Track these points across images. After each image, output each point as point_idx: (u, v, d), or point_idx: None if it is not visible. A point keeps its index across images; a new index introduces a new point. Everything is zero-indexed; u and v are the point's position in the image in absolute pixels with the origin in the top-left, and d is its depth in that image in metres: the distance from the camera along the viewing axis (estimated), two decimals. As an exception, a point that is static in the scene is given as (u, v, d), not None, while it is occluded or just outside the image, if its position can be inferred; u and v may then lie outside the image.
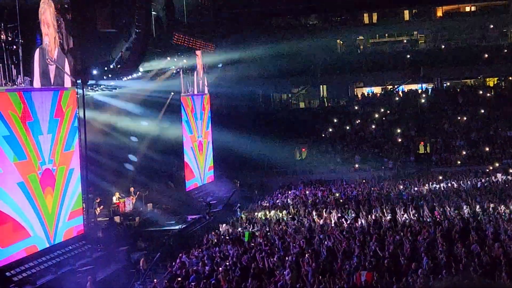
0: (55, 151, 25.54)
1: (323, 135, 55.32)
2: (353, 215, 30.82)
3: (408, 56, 61.40)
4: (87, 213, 28.33)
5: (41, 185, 24.37)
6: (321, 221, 29.41)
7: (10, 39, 23.22)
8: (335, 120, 56.77)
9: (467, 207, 30.35)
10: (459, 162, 48.60)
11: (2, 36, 22.79)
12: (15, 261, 22.71)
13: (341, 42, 65.81)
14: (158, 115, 40.45)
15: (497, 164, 46.39)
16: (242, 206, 38.61)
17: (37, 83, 24.69)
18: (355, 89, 65.19)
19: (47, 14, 25.39)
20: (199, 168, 42.62)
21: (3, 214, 22.09)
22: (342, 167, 50.11)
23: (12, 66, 23.04)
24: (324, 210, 32.48)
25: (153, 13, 34.37)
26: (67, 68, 26.83)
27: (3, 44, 22.79)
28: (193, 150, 41.81)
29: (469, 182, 39.32)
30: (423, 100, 58.58)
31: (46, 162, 24.83)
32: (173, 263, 24.80)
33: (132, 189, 35.10)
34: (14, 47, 23.52)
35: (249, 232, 28.62)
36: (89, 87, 30.22)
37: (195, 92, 43.02)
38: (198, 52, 43.02)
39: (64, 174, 26.19)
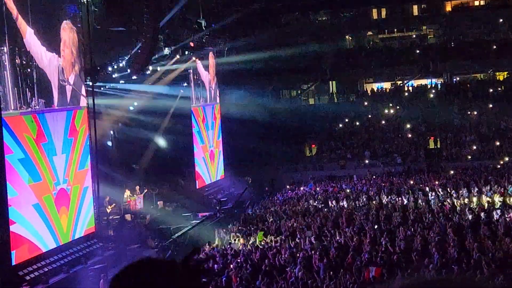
0: (70, 170, 25.77)
1: (333, 131, 55.26)
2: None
3: (418, 51, 61.17)
4: (98, 211, 28.47)
5: (56, 205, 24.60)
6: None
7: (24, 62, 23.36)
8: (345, 116, 56.66)
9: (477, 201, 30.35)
10: (469, 157, 48.42)
11: (17, 60, 22.93)
12: (26, 260, 22.85)
13: (350, 38, 65.69)
14: (167, 115, 40.56)
15: (507, 159, 46.20)
16: (253, 203, 38.64)
17: (55, 101, 24.94)
18: (365, 85, 65.08)
19: (66, 34, 25.62)
20: (211, 178, 42.80)
21: (19, 237, 22.26)
22: (352, 163, 50.05)
23: (27, 89, 23.24)
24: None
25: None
26: (83, 90, 27.12)
27: (18, 68, 22.94)
28: (205, 160, 42.00)
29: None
30: (432, 95, 58.45)
31: (61, 182, 25.06)
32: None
33: (137, 187, 35.11)
34: (29, 70, 23.65)
35: (261, 233, 28.57)
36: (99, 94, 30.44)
37: (207, 102, 43.24)
38: (210, 56, 43.16)
39: (78, 193, 26.43)
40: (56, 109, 25.16)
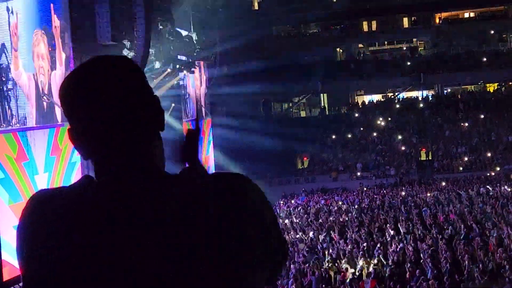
0: (52, 189, 25.13)
1: (325, 144, 55.25)
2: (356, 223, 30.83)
3: (408, 63, 61.45)
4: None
5: (38, 225, 23.97)
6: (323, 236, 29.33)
7: (3, 79, 22.80)
8: (337, 129, 56.72)
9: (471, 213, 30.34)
10: (461, 168, 48.53)
11: None
12: (19, 276, 22.55)
13: (341, 50, 65.91)
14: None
15: (498, 168, 46.35)
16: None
17: (33, 120, 24.29)
18: (356, 97, 65.26)
19: (40, 46, 25.09)
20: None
21: None
22: (344, 175, 50.05)
23: (7, 107, 22.67)
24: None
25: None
26: None
27: None
28: None
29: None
30: (422, 105, 58.65)
31: (43, 201, 24.38)
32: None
33: None
34: (8, 86, 23.10)
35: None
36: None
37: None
38: (201, 69, 43.12)
39: (61, 211, 25.79)
40: (38, 127, 24.56)
